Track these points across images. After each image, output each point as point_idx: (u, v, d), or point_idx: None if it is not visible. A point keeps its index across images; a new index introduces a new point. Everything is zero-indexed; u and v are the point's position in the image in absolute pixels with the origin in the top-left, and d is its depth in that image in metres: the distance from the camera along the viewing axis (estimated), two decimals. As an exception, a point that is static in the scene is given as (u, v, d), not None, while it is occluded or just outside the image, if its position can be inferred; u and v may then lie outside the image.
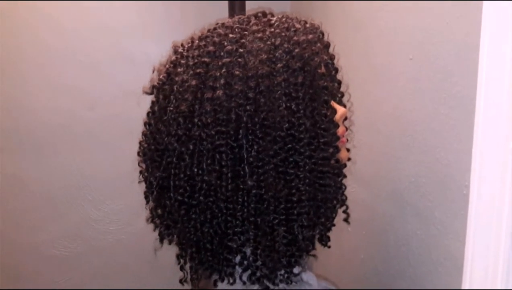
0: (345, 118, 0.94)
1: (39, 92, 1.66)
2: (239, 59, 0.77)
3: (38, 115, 1.67)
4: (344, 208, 0.94)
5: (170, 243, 0.93)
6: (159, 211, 0.90)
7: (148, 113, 0.90)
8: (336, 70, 0.96)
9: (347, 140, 0.93)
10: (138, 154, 0.92)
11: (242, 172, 0.77)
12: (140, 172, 0.92)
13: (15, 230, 1.71)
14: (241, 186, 0.77)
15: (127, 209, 1.81)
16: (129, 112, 1.67)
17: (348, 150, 0.93)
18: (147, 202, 0.91)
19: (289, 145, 0.76)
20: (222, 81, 0.76)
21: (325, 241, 0.93)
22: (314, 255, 0.89)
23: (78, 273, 1.81)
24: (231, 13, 1.51)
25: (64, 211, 1.76)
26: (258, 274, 0.83)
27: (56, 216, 1.76)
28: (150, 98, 0.91)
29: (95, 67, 1.71)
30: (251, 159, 0.76)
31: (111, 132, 1.76)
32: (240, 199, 0.78)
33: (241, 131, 0.76)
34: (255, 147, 0.76)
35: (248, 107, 0.75)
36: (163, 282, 1.82)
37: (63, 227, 1.77)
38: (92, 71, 1.71)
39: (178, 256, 0.91)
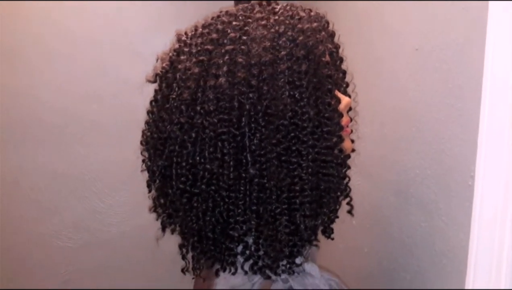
0: (350, 109, 0.94)
1: (45, 85, 1.66)
2: (242, 47, 0.76)
3: (44, 107, 1.67)
4: (348, 200, 0.94)
5: (172, 232, 0.92)
6: (162, 200, 0.89)
7: (151, 102, 0.90)
8: (341, 60, 0.95)
9: (352, 130, 0.92)
10: (141, 143, 0.92)
11: (244, 161, 0.76)
12: (143, 161, 0.92)
13: (19, 221, 1.71)
14: (243, 175, 0.77)
15: (131, 201, 1.82)
16: (135, 105, 1.66)
17: (352, 141, 0.93)
18: (150, 191, 0.91)
19: (292, 134, 0.75)
20: (225, 69, 0.76)
21: (328, 233, 0.92)
22: (316, 245, 0.89)
23: (82, 264, 1.81)
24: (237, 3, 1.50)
25: (69, 202, 1.76)
26: (260, 263, 0.82)
27: (60, 207, 1.76)
28: (154, 88, 0.90)
29: (101, 60, 1.70)
30: (253, 147, 0.75)
31: (116, 125, 1.76)
32: (242, 188, 0.77)
33: (243, 119, 0.75)
34: (258, 135, 0.75)
35: (251, 95, 0.74)
36: (167, 274, 1.82)
37: (68, 218, 1.77)
38: (98, 64, 1.70)
39: (181, 246, 0.91)
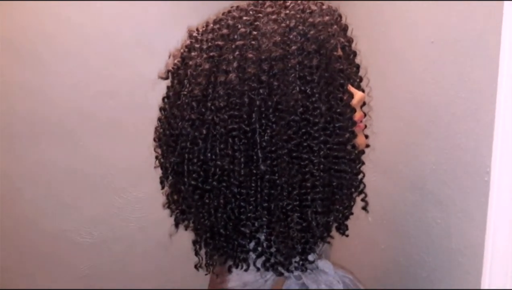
0: (363, 103, 0.92)
1: (61, 82, 1.67)
2: (253, 42, 0.76)
3: (61, 103, 1.68)
4: (362, 196, 0.93)
5: (186, 228, 0.92)
6: (175, 197, 0.90)
7: (163, 98, 0.90)
8: (354, 54, 0.94)
9: (365, 126, 0.90)
10: (154, 139, 0.92)
11: (255, 157, 0.76)
12: (156, 157, 0.92)
13: (39, 217, 1.73)
14: (254, 171, 0.76)
15: (150, 197, 1.82)
16: (151, 100, 1.67)
17: (366, 136, 0.91)
18: (163, 188, 0.91)
19: (303, 130, 0.74)
20: (235, 64, 0.75)
21: (343, 229, 0.91)
22: (329, 242, 0.88)
23: (101, 259, 1.83)
24: None
25: (87, 198, 1.78)
26: (272, 260, 0.82)
27: (79, 203, 1.77)
28: (166, 85, 0.90)
29: (117, 56, 1.71)
30: (264, 143, 0.75)
31: (134, 120, 1.76)
32: (253, 184, 0.76)
33: (254, 115, 0.74)
34: (268, 131, 0.74)
35: (261, 91, 0.73)
36: (184, 269, 1.82)
37: (87, 214, 1.78)
38: (114, 59, 1.71)
39: (194, 242, 0.91)
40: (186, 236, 0.96)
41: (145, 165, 1.58)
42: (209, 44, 0.80)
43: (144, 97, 1.70)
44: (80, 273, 1.81)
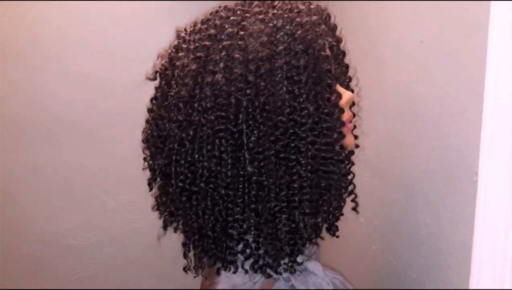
0: (353, 103, 0.91)
1: (56, 83, 1.66)
2: (240, 42, 0.75)
3: (54, 106, 1.67)
4: (352, 196, 0.92)
5: (175, 230, 0.92)
6: (163, 199, 0.89)
7: (151, 99, 0.89)
8: (343, 54, 0.93)
9: (355, 126, 0.89)
10: (143, 141, 0.91)
11: (242, 158, 0.75)
12: (144, 159, 0.91)
13: (32, 220, 1.72)
14: (242, 173, 0.75)
15: (143, 199, 1.81)
16: (145, 103, 1.66)
17: (356, 136, 0.91)
18: (151, 189, 0.90)
19: (291, 130, 0.73)
20: (222, 65, 0.74)
21: (333, 230, 0.90)
22: (317, 244, 0.87)
23: (95, 262, 1.82)
24: None
25: (81, 201, 1.77)
26: (260, 262, 0.81)
27: (73, 206, 1.76)
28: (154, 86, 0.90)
29: (111, 58, 1.70)
30: (251, 144, 0.74)
31: (127, 123, 1.75)
32: (240, 186, 0.76)
33: (241, 116, 0.73)
34: (256, 132, 0.73)
35: (248, 91, 0.73)
36: (178, 272, 1.81)
37: (80, 217, 1.78)
38: (109, 62, 1.70)
39: (183, 244, 0.90)
40: (179, 238, 0.95)
41: (138, 167, 1.58)
42: (196, 44, 0.79)
43: (140, 98, 1.69)
44: (73, 275, 1.80)
